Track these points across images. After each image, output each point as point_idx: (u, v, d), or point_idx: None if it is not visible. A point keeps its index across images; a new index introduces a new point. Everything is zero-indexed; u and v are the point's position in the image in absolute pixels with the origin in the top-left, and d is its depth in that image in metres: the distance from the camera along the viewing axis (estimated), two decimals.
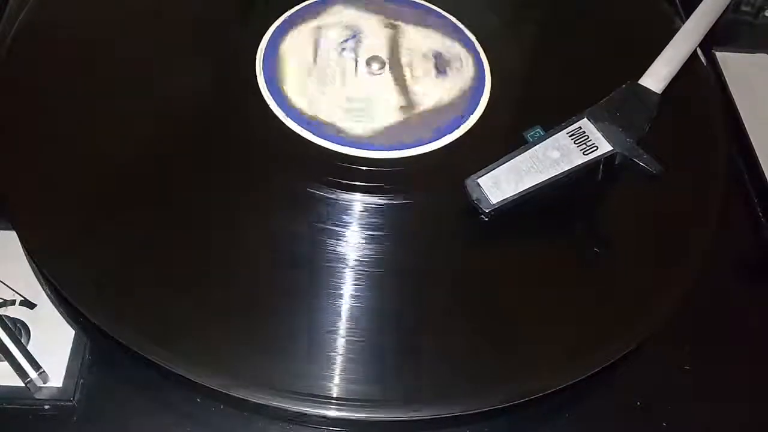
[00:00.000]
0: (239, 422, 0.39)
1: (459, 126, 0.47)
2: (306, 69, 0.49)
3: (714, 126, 0.50)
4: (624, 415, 0.41)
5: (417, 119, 0.47)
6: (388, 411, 0.37)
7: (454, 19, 0.53)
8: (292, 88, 0.47)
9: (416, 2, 0.53)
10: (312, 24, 0.51)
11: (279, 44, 0.50)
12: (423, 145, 0.46)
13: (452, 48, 0.51)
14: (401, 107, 0.48)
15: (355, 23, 0.51)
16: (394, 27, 0.51)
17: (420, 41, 0.51)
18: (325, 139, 0.46)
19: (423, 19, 0.52)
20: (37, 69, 0.47)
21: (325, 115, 0.47)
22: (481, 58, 0.51)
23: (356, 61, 0.49)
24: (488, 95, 0.49)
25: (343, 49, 0.50)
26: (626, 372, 0.42)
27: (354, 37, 0.50)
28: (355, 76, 0.49)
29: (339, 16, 0.52)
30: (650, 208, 0.46)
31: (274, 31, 0.51)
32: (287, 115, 0.46)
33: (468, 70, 0.50)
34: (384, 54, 0.50)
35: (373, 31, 0.51)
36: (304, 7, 0.52)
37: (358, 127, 0.46)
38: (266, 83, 0.48)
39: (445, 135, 0.47)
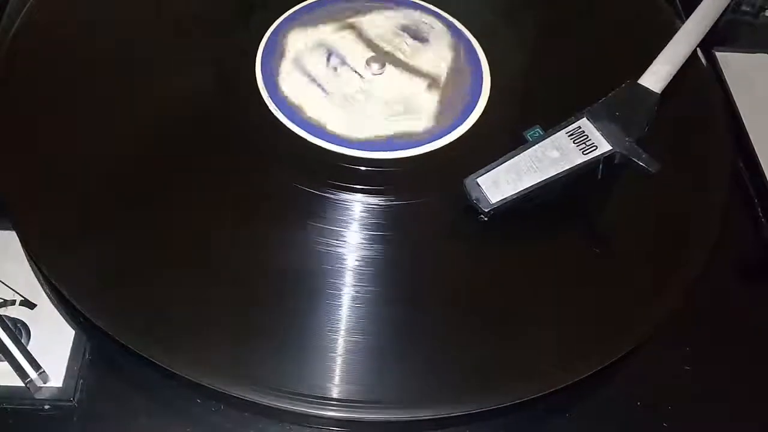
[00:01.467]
0: (239, 422, 0.39)
1: (459, 126, 0.47)
2: (325, 100, 0.48)
3: (714, 126, 0.50)
4: (624, 415, 0.41)
5: (449, 88, 0.48)
6: (388, 411, 0.37)
7: None
8: (331, 121, 0.47)
9: None
10: (289, 57, 0.50)
11: (281, 86, 0.48)
12: (423, 145, 0.46)
13: (408, 15, 0.52)
14: (428, 86, 0.48)
15: (320, 40, 0.51)
16: (350, 26, 0.52)
17: (380, 25, 0.52)
18: (324, 140, 0.46)
19: (364, 6, 0.53)
20: (37, 69, 0.47)
21: (377, 131, 0.46)
22: (439, 13, 0.52)
23: (356, 72, 0.49)
24: (488, 95, 0.49)
25: (335, 68, 0.49)
26: (626, 372, 0.42)
27: (331, 53, 0.50)
28: (369, 84, 0.49)
29: (300, 40, 0.51)
30: (650, 208, 0.46)
31: (262, 66, 0.50)
32: (285, 115, 0.46)
33: (440, 31, 0.51)
34: (369, 52, 0.50)
35: (339, 38, 0.51)
36: (269, 43, 0.51)
37: (416, 125, 0.47)
38: (265, 83, 0.48)
39: (445, 135, 0.47)
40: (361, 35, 0.51)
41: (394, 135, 0.46)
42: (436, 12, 0.53)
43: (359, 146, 0.45)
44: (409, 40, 0.50)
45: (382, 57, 0.50)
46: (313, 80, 0.48)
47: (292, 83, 0.49)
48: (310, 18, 0.52)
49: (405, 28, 0.51)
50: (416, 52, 0.50)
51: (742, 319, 0.45)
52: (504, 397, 0.38)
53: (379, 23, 0.52)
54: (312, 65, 0.49)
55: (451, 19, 0.53)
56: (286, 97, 0.48)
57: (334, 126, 0.46)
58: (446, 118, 0.47)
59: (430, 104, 0.48)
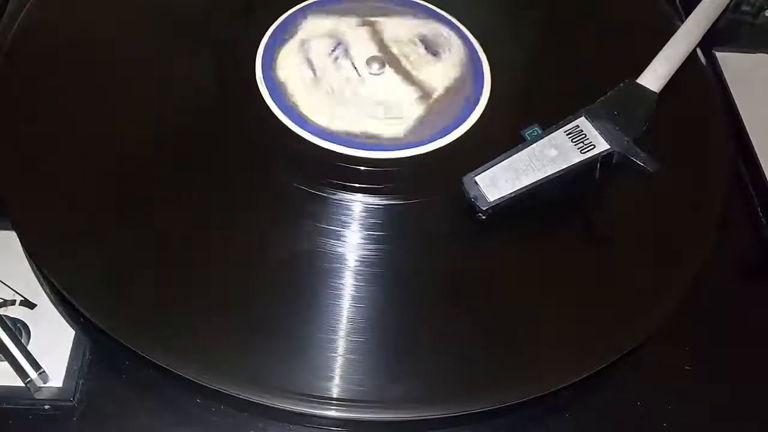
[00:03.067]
0: (239, 422, 0.39)
1: (459, 126, 0.47)
2: (312, 85, 0.48)
3: (714, 126, 0.50)
4: (624, 415, 0.41)
5: (437, 106, 0.48)
6: (388, 411, 0.37)
7: (423, 2, 0.53)
8: (307, 108, 0.47)
9: None
10: (297, 38, 0.51)
11: (274, 67, 0.49)
12: (423, 145, 0.46)
13: (431, 27, 0.51)
14: (419, 98, 0.48)
15: (334, 30, 0.51)
16: (370, 23, 0.51)
17: (399, 30, 0.51)
18: (325, 140, 0.46)
19: (392, 9, 0.53)
20: (37, 69, 0.47)
21: (352, 127, 0.46)
22: (461, 30, 0.52)
23: (355, 67, 0.49)
24: (488, 95, 0.49)
25: (336, 59, 0.50)
26: (626, 372, 0.42)
27: (339, 44, 0.50)
28: (361, 81, 0.49)
29: (317, 27, 0.51)
30: (650, 207, 0.46)
31: (268, 40, 0.50)
32: (285, 115, 0.46)
33: (457, 48, 0.50)
34: (375, 52, 0.50)
35: (354, 33, 0.51)
36: (284, 23, 0.51)
37: (390, 130, 0.46)
38: (265, 83, 0.48)
39: (445, 135, 0.47)
40: (375, 35, 0.51)
41: (363, 134, 0.46)
42: (460, 29, 0.52)
43: (360, 145, 0.45)
44: (421, 50, 0.50)
45: (386, 59, 0.49)
46: (310, 63, 0.49)
47: (288, 60, 0.49)
48: (335, 8, 0.52)
49: (422, 38, 0.51)
50: (423, 63, 0.50)
51: (742, 319, 0.45)
52: (504, 397, 0.38)
53: (399, 28, 0.51)
54: (315, 49, 0.50)
55: (469, 36, 0.52)
56: (277, 70, 0.48)
57: (307, 110, 0.47)
58: (421, 132, 0.46)
59: (412, 115, 0.47)
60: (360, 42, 0.51)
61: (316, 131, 0.46)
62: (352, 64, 0.49)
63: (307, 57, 0.49)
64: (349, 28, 0.51)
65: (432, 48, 0.50)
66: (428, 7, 0.53)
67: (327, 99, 0.48)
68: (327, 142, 0.45)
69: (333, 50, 0.50)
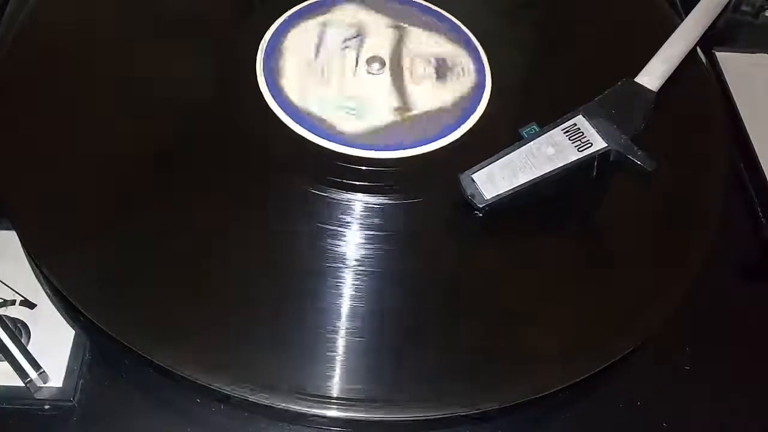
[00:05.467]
0: (239, 422, 0.39)
1: (459, 127, 0.47)
2: (306, 63, 0.49)
3: (714, 126, 0.50)
4: (624, 415, 0.41)
5: (410, 122, 0.47)
6: (388, 411, 0.37)
7: (464, 27, 0.52)
8: (288, 80, 0.48)
9: (429, 7, 0.53)
10: (319, 19, 0.51)
11: (282, 38, 0.50)
12: (423, 145, 0.46)
13: (456, 55, 0.51)
14: (396, 108, 0.47)
15: (362, 22, 0.51)
16: (400, 29, 0.51)
17: (425, 45, 0.51)
18: (326, 139, 0.46)
19: (432, 23, 0.52)
20: (37, 69, 0.47)
21: (316, 109, 0.47)
22: (484, 67, 0.50)
23: (357, 60, 0.49)
24: (488, 96, 0.49)
25: (346, 47, 0.50)
26: (626, 372, 0.42)
27: (358, 36, 0.50)
28: (353, 74, 0.49)
29: (347, 14, 0.52)
30: (650, 207, 0.46)
31: (279, 25, 0.51)
32: (287, 114, 0.46)
33: (468, 79, 0.50)
34: (386, 55, 0.50)
35: (379, 31, 0.51)
36: (314, 2, 0.52)
37: (347, 125, 0.46)
38: (267, 83, 0.48)
39: (445, 135, 0.47)
40: (398, 41, 0.50)
41: (324, 120, 0.46)
42: (480, 57, 0.51)
43: (360, 146, 0.45)
44: (430, 70, 0.49)
45: (389, 64, 0.49)
46: (319, 43, 0.49)
47: (299, 34, 0.50)
48: (379, 3, 0.53)
49: (439, 60, 0.50)
50: (424, 82, 0.49)
51: (742, 319, 0.45)
52: (504, 397, 0.38)
53: (425, 42, 0.51)
54: (332, 33, 0.50)
55: (485, 63, 0.51)
56: (284, 40, 0.49)
57: (288, 85, 0.47)
58: (378, 139, 0.46)
59: (380, 122, 0.47)
60: (379, 42, 0.51)
61: (295, 113, 0.46)
62: (357, 57, 0.49)
63: (320, 37, 0.50)
64: (377, 26, 0.51)
65: (442, 71, 0.49)
66: (467, 36, 0.52)
67: (312, 78, 0.48)
68: (355, 149, 0.45)
69: (349, 39, 0.50)
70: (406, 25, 0.52)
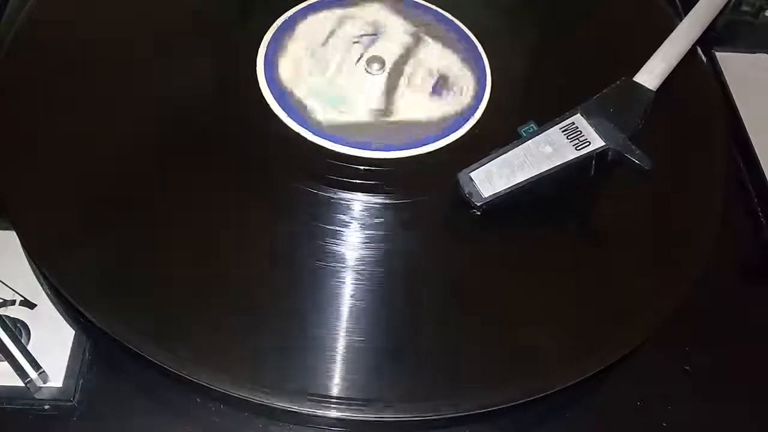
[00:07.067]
0: (239, 422, 0.39)
1: (459, 128, 0.47)
2: (311, 49, 0.49)
3: (714, 126, 0.50)
4: (624, 415, 0.41)
5: (386, 126, 0.47)
6: (387, 411, 0.37)
7: (480, 47, 0.52)
8: (286, 59, 0.48)
9: (453, 22, 0.53)
10: (339, 12, 0.51)
11: (298, 22, 0.50)
12: (423, 145, 0.46)
13: (462, 74, 0.50)
14: (375, 110, 0.47)
15: (383, 23, 0.51)
16: (418, 38, 0.51)
17: (434, 58, 0.51)
18: (326, 139, 0.46)
19: (451, 40, 0.52)
20: (37, 69, 0.47)
21: (301, 92, 0.47)
22: (485, 86, 0.50)
23: (360, 56, 0.49)
24: (488, 96, 0.49)
25: (356, 42, 0.50)
26: (626, 372, 0.42)
27: (374, 35, 0.50)
28: (351, 69, 0.49)
29: (369, 12, 0.52)
30: (650, 207, 0.46)
31: (303, 7, 0.52)
32: (288, 115, 0.46)
33: (465, 99, 0.49)
34: (392, 58, 0.50)
35: (396, 35, 0.51)
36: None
37: (320, 114, 0.47)
38: (267, 82, 0.48)
39: (445, 136, 0.47)
40: (410, 48, 0.50)
41: (306, 106, 0.47)
42: (485, 80, 0.50)
43: (360, 146, 0.45)
44: (429, 83, 0.49)
45: (390, 67, 0.49)
46: (331, 33, 0.50)
47: (317, 21, 0.51)
48: (407, 9, 0.53)
49: (442, 74, 0.50)
50: (418, 93, 0.49)
51: (742, 319, 0.45)
52: (504, 397, 0.38)
53: (435, 56, 0.51)
54: (350, 26, 0.51)
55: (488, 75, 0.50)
56: (300, 23, 0.51)
57: (283, 69, 0.48)
58: (352, 136, 0.46)
59: (358, 118, 0.47)
60: (391, 45, 0.51)
61: (295, 113, 0.46)
62: (362, 54, 0.49)
63: (336, 28, 0.50)
64: (396, 30, 0.51)
65: (440, 87, 0.49)
66: (479, 54, 0.51)
67: (310, 62, 0.49)
68: (355, 149, 0.45)
69: (362, 36, 0.50)
70: (425, 36, 0.52)
